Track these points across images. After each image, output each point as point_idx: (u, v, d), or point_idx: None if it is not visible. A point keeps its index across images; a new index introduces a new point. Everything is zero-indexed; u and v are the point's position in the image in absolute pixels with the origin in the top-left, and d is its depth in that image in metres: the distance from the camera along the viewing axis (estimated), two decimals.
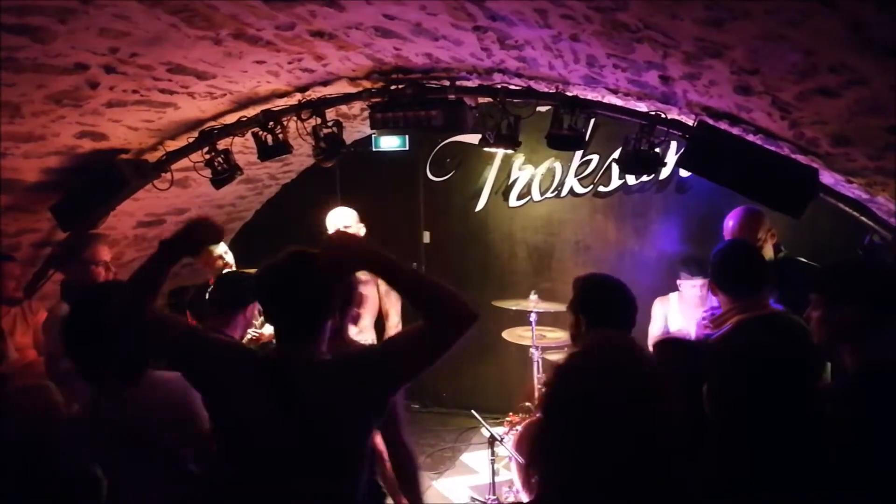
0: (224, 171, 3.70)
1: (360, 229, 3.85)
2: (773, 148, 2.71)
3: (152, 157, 3.71)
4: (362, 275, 3.72)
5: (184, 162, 3.73)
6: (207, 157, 3.65)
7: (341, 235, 2.00)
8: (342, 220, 3.76)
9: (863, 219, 2.82)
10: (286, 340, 1.86)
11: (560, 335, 4.33)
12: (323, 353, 1.85)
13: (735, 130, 2.77)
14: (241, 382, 1.80)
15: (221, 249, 3.87)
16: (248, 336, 3.77)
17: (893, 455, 1.76)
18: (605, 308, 2.26)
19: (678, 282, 3.84)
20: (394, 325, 4.08)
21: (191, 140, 3.67)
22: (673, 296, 3.94)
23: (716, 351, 2.41)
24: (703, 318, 2.87)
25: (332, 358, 1.86)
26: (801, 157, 2.64)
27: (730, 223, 3.14)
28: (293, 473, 1.75)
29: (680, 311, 3.87)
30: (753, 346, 2.33)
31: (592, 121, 3.36)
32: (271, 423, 1.75)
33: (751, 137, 2.75)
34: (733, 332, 2.41)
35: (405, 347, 1.82)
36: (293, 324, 1.83)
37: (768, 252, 2.97)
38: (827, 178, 2.74)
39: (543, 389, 1.40)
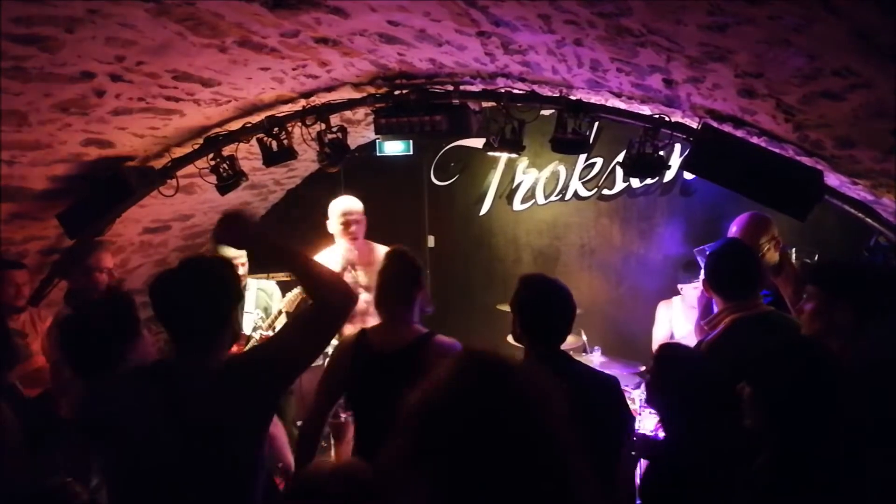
0: (229, 177, 3.71)
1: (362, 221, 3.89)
2: (777, 150, 2.70)
3: (158, 163, 3.72)
4: (361, 281, 3.76)
5: (189, 168, 3.75)
6: (213, 163, 3.67)
7: (236, 212, 2.05)
8: (347, 206, 3.82)
9: (868, 220, 2.81)
10: (180, 349, 1.83)
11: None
12: (218, 361, 1.84)
13: (739, 133, 2.77)
14: (129, 394, 1.77)
15: (235, 252, 3.83)
16: (257, 336, 3.77)
17: (891, 454, 1.76)
18: (537, 311, 2.23)
19: (679, 286, 3.84)
20: None
21: (196, 146, 3.69)
22: (676, 299, 3.94)
23: (710, 351, 2.42)
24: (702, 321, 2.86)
25: (224, 363, 1.84)
26: (805, 160, 2.63)
27: (733, 229, 3.10)
28: (181, 489, 1.71)
29: (684, 315, 3.87)
30: (747, 346, 2.34)
31: (596, 124, 3.36)
32: (156, 436, 1.72)
33: (755, 140, 2.75)
34: (727, 332, 2.41)
35: (294, 334, 1.87)
36: (187, 332, 1.82)
37: (773, 258, 2.95)
38: (832, 179, 2.73)
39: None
